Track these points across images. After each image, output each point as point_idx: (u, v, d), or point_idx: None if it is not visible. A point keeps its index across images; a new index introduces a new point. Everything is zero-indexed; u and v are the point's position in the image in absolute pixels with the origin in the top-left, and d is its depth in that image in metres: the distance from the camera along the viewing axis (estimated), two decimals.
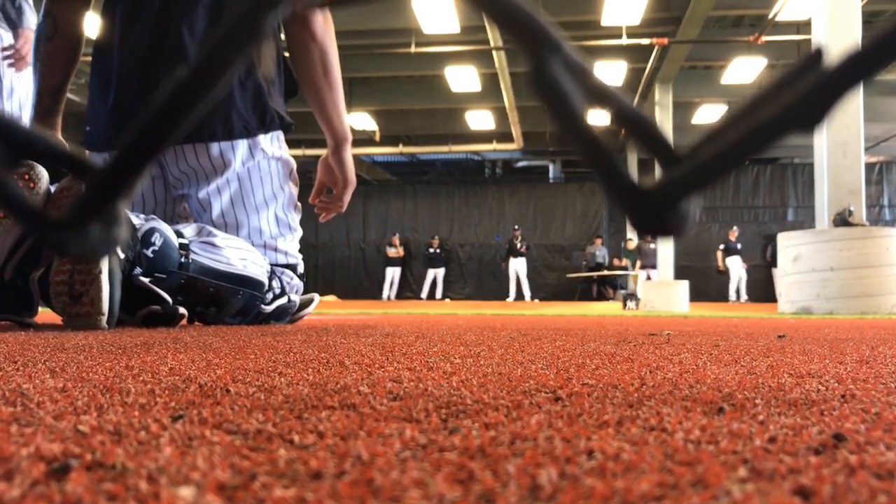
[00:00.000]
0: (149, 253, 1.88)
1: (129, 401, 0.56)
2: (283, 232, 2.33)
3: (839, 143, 6.46)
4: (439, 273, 15.56)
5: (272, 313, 2.21)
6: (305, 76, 2.31)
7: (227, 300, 2.06)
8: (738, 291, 14.24)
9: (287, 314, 2.28)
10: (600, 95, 0.29)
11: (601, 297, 14.95)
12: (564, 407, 0.54)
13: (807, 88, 0.25)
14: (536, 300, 14.47)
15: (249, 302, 2.12)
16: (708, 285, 14.50)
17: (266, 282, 2.16)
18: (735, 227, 14.38)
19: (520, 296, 14.72)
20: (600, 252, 15.38)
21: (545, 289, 15.66)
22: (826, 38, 6.32)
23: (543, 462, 0.35)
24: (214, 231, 2.09)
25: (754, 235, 15.01)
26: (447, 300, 14.70)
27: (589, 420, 0.48)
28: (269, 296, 2.19)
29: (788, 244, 6.50)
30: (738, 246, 14.17)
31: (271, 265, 2.25)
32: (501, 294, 15.18)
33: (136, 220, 1.91)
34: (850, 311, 5.91)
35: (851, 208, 6.34)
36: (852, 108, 6.37)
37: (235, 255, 2.08)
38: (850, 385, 0.69)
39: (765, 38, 10.42)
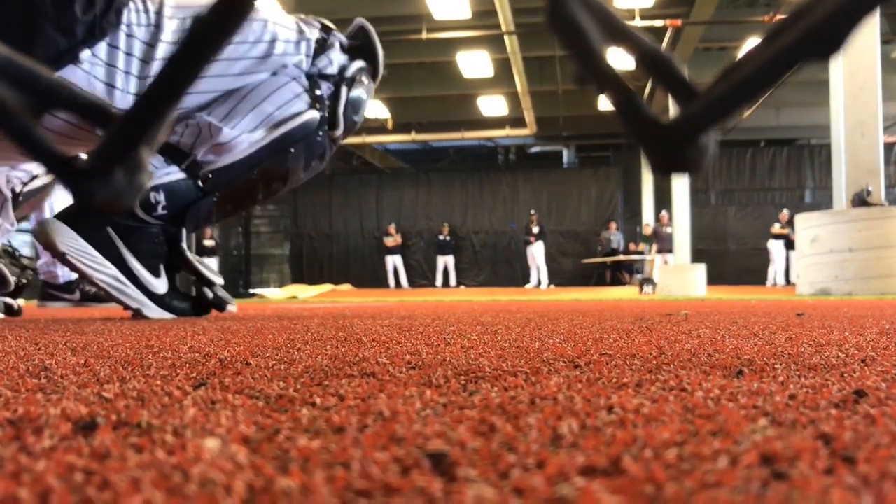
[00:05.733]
0: (161, 211, 1.69)
1: (151, 373, 0.56)
2: None
3: (857, 123, 6.38)
4: (449, 260, 15.52)
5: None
6: None
7: (284, 167, 1.76)
8: (776, 275, 13.70)
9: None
10: (618, 32, 0.29)
11: (616, 282, 14.90)
12: (583, 373, 0.54)
13: (822, 16, 0.25)
14: (552, 286, 14.44)
15: (313, 142, 1.77)
16: (725, 269, 14.40)
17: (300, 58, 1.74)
18: (785, 210, 13.73)
19: (536, 282, 14.69)
20: (615, 237, 15.30)
21: (560, 275, 15.60)
22: None
23: (564, 416, 0.35)
24: (216, 123, 1.68)
25: (771, 218, 14.86)
26: (462, 287, 14.70)
27: (608, 383, 0.48)
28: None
29: (806, 225, 6.45)
30: (775, 226, 13.42)
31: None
32: (516, 281, 15.16)
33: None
34: (870, 291, 5.86)
35: (870, 188, 6.27)
36: (870, 88, 6.29)
37: (258, 126, 1.71)
38: (871, 352, 0.69)
39: (779, 18, 10.28)
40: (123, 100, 1.52)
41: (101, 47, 1.51)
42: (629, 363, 0.60)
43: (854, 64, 6.29)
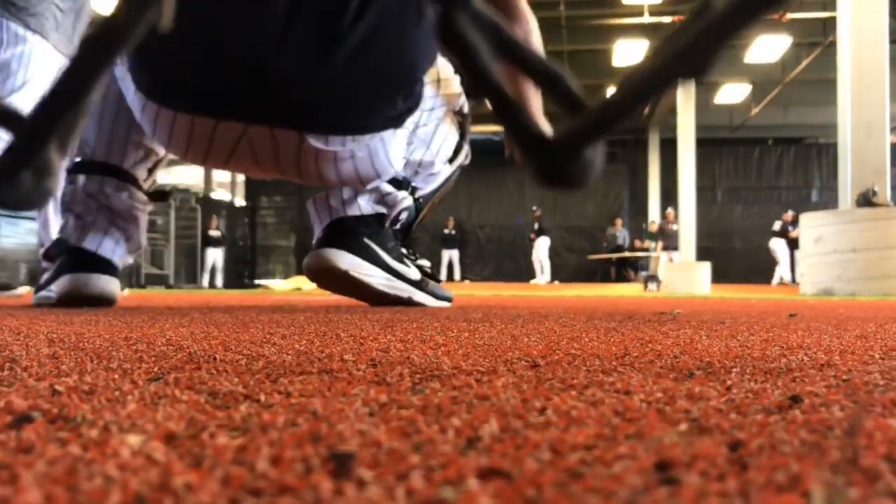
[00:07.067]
0: (397, 227, 2.01)
1: (114, 366, 0.57)
2: None
3: (864, 123, 6.35)
4: (454, 254, 15.50)
5: None
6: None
7: (448, 190, 2.16)
8: (781, 274, 13.58)
9: None
10: (509, 48, 0.29)
11: (621, 279, 14.89)
12: (539, 373, 0.54)
13: (691, 37, 0.26)
14: (556, 282, 14.44)
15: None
16: (730, 267, 14.37)
17: None
18: (790, 212, 13.59)
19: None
20: (621, 234, 15.29)
21: (565, 270, 15.61)
22: (852, 14, 6.21)
23: (492, 418, 0.36)
24: (428, 159, 1.99)
25: (777, 217, 14.82)
26: (466, 281, 14.71)
27: (556, 384, 0.48)
28: None
29: (810, 225, 6.42)
30: (788, 228, 13.30)
31: None
32: (521, 276, 15.17)
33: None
34: (873, 292, 5.84)
35: (875, 188, 6.25)
36: (878, 88, 6.26)
37: (445, 160, 2.05)
38: (836, 357, 0.69)
39: (789, 16, 10.25)
40: (397, 162, 1.85)
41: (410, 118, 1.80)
42: (588, 364, 0.60)
43: (862, 63, 6.26)
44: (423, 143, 1.94)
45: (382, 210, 1.96)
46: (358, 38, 1.59)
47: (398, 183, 1.96)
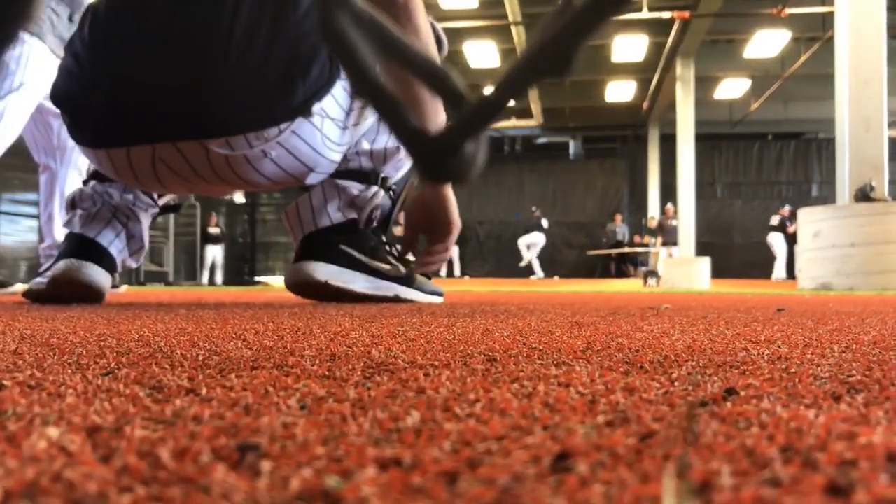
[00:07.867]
0: (375, 224, 2.00)
1: (72, 361, 0.58)
2: None
3: (862, 118, 6.34)
4: (453, 251, 15.49)
5: None
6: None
7: None
8: (779, 269, 13.56)
9: None
10: (391, 47, 0.29)
11: (621, 274, 14.90)
12: (491, 366, 0.55)
13: (552, 34, 0.26)
14: (556, 277, 14.44)
15: None
16: (730, 262, 14.37)
17: None
18: (787, 206, 13.62)
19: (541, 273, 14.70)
20: (620, 229, 15.30)
21: (565, 266, 15.62)
22: (850, 9, 6.20)
23: (417, 411, 0.36)
24: (392, 145, 1.99)
25: (776, 212, 14.81)
26: (466, 278, 14.72)
27: (504, 377, 0.49)
28: None
29: (809, 220, 6.43)
30: (786, 223, 13.32)
31: None
32: (521, 272, 15.17)
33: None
34: (871, 286, 5.84)
35: (873, 183, 6.24)
36: (876, 82, 6.25)
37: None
38: (798, 350, 0.69)
39: (788, 11, 10.23)
40: (331, 151, 1.77)
41: (327, 98, 1.71)
42: (544, 357, 0.61)
43: (860, 58, 6.25)
44: (386, 128, 1.85)
45: (353, 215, 1.95)
46: (239, 35, 1.59)
47: (365, 176, 1.94)
